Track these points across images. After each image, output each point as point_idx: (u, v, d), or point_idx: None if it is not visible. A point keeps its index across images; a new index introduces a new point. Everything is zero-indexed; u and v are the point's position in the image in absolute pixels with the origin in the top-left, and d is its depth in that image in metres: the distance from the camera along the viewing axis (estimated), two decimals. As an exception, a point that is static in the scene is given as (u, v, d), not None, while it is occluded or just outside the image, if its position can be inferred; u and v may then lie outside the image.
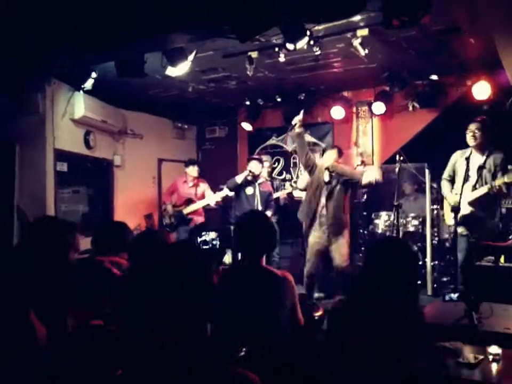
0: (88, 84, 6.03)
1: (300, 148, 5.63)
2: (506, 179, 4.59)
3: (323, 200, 5.41)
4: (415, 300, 2.33)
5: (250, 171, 6.34)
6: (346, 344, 2.17)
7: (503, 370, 2.36)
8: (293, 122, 5.44)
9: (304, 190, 6.25)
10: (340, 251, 5.37)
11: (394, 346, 2.09)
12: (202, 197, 7.24)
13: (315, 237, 5.43)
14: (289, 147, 8.25)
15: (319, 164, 5.61)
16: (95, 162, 7.24)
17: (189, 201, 7.13)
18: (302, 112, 5.51)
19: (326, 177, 5.36)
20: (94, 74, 5.93)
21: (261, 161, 6.55)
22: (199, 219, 7.25)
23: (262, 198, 6.31)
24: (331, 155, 5.56)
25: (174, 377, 1.11)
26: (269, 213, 6.18)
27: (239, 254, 3.83)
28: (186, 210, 7.09)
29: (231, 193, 6.69)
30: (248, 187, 6.43)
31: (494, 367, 2.39)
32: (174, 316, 1.19)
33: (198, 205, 7.07)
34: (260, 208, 6.16)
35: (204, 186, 7.33)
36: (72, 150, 6.63)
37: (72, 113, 6.50)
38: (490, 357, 2.44)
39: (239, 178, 6.43)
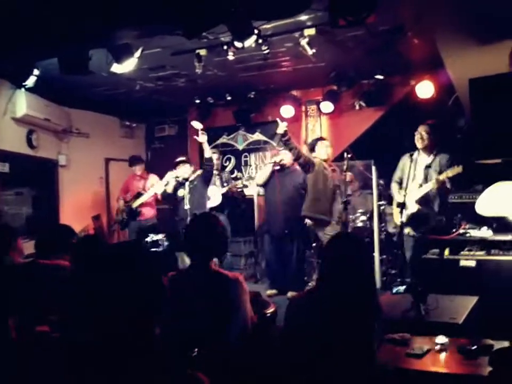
0: (31, 81, 5.77)
1: (291, 150, 5.64)
2: (450, 173, 4.76)
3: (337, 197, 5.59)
4: (373, 293, 2.37)
5: (176, 177, 6.16)
6: (304, 336, 2.18)
7: (450, 358, 2.43)
8: (280, 132, 5.50)
9: (262, 185, 6.25)
10: None
11: (353, 338, 2.12)
12: None
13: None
14: (239, 145, 8.24)
15: (315, 160, 5.69)
16: (38, 163, 6.98)
17: (138, 195, 7.05)
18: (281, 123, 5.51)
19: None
20: (36, 71, 5.69)
21: (186, 161, 6.24)
22: (149, 212, 7.16)
23: (191, 198, 6.02)
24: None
25: (121, 380, 1.08)
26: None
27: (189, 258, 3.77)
28: (135, 203, 7.02)
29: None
30: (179, 189, 6.20)
31: (442, 356, 2.46)
32: (120, 318, 1.16)
33: (145, 197, 6.97)
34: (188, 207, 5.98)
35: (153, 179, 7.21)
36: (14, 150, 6.37)
37: (14, 111, 6.25)
38: (438, 347, 2.51)
39: (169, 189, 6.27)
